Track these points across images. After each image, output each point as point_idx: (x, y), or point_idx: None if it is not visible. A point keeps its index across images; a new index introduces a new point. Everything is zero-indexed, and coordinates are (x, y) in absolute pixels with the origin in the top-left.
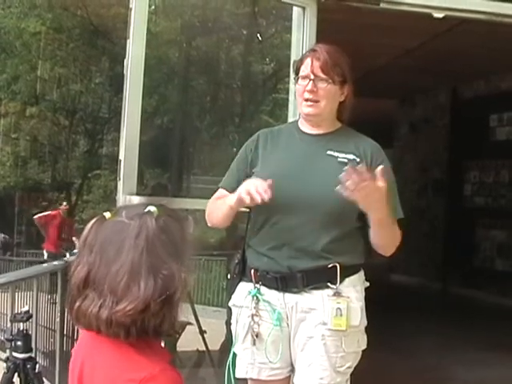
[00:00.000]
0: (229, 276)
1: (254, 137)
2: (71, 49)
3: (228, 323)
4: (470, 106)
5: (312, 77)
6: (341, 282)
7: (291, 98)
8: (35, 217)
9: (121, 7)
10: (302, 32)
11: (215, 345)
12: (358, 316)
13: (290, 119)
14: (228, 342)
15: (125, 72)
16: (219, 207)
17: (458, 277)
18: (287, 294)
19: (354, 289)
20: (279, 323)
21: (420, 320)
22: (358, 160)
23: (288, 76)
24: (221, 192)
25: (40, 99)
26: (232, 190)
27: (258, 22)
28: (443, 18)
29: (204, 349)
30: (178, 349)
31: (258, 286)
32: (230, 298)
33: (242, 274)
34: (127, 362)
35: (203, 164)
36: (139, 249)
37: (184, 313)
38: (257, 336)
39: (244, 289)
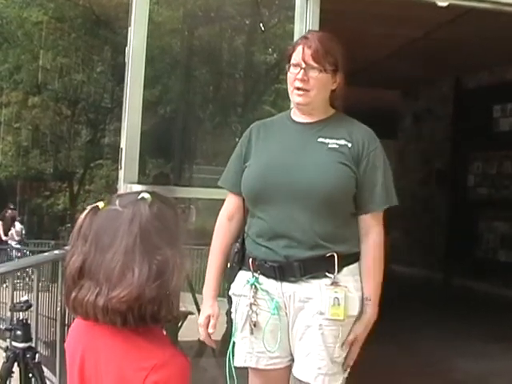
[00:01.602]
0: (228, 264)
1: (247, 132)
2: (73, 38)
3: (228, 312)
4: (474, 97)
5: (303, 65)
6: (339, 271)
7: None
8: None
9: None
10: (305, 22)
11: (217, 335)
12: (356, 306)
13: None
14: (228, 331)
15: (126, 60)
16: (210, 263)
17: (460, 268)
18: (285, 284)
19: (352, 278)
20: (277, 312)
21: (422, 312)
22: (350, 145)
23: None
24: (228, 202)
25: (42, 89)
26: (231, 187)
27: (261, 12)
28: (447, 6)
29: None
30: (179, 338)
31: (256, 275)
32: (229, 287)
33: (241, 263)
34: (136, 350)
35: (206, 154)
36: (133, 235)
37: (185, 302)
38: (255, 325)
39: (243, 278)
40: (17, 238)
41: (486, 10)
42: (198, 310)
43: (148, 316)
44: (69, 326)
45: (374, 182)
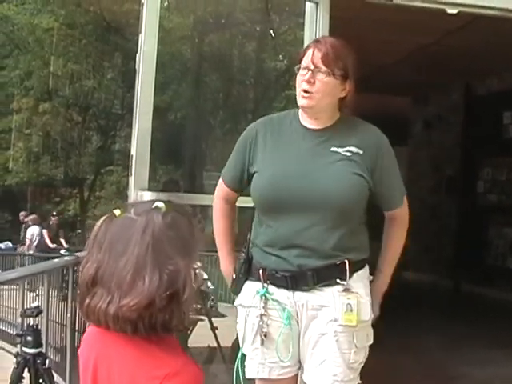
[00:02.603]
0: (234, 275)
1: (251, 130)
2: (84, 45)
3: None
4: (484, 103)
5: (312, 67)
6: (350, 278)
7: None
8: None
9: (133, 3)
10: (315, 28)
11: (227, 341)
12: (367, 311)
13: None
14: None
15: (137, 67)
16: (219, 245)
17: (470, 274)
18: (297, 293)
19: (362, 284)
20: (289, 322)
21: (431, 318)
22: (361, 152)
23: None
24: (222, 189)
25: (53, 95)
26: (231, 184)
27: (271, 19)
28: (457, 14)
29: (215, 345)
30: (189, 345)
31: (265, 285)
32: (235, 298)
33: (248, 274)
34: (149, 359)
35: (216, 160)
36: (145, 244)
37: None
38: (265, 336)
39: (251, 288)
40: (66, 246)
41: (494, 17)
42: (209, 317)
43: (159, 325)
44: (79, 332)
45: (392, 181)
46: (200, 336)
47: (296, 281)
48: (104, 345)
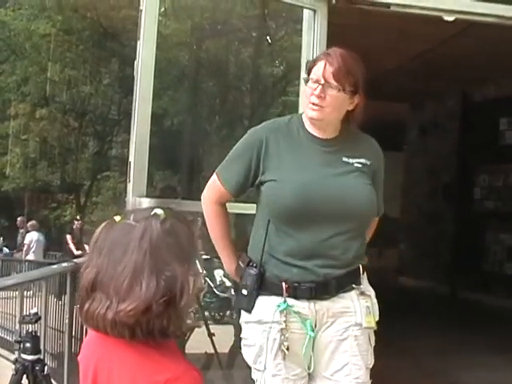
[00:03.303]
0: (245, 291)
1: (258, 135)
2: (81, 51)
3: (236, 326)
4: (480, 110)
5: (322, 81)
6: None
7: (301, 100)
8: None
9: (130, 9)
10: (313, 35)
11: (224, 347)
12: (377, 312)
13: None
14: (235, 344)
15: (135, 73)
16: (219, 249)
17: (467, 280)
18: (318, 302)
19: (369, 286)
20: (314, 333)
21: (428, 324)
22: (369, 163)
23: (298, 78)
24: (218, 192)
25: (50, 101)
26: (232, 190)
27: (268, 25)
28: (454, 21)
29: (212, 351)
30: (186, 351)
31: (287, 299)
32: (240, 314)
33: (260, 289)
34: (149, 363)
35: (213, 166)
36: (143, 250)
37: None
38: (287, 349)
39: (269, 303)
40: None
41: (490, 24)
42: (206, 323)
43: (156, 331)
44: (76, 338)
45: (380, 191)
46: (197, 342)
47: (320, 290)
48: (104, 350)
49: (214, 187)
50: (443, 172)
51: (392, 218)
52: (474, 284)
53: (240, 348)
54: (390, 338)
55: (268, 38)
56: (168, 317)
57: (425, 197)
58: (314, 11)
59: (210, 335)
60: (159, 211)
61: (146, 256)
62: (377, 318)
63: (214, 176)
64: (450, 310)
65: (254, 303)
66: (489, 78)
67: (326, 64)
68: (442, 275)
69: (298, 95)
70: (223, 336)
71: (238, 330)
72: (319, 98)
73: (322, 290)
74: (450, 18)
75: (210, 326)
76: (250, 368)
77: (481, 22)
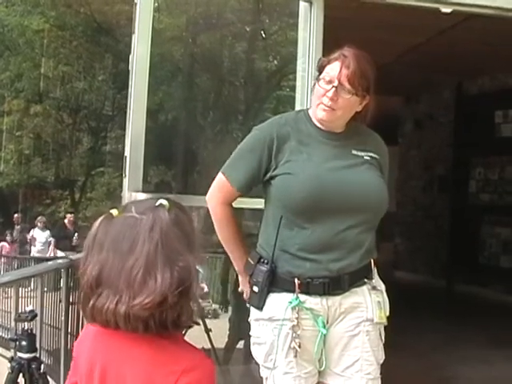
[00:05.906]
0: (256, 288)
1: (267, 132)
2: (75, 46)
3: (232, 320)
4: (476, 103)
5: (336, 84)
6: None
7: (297, 95)
8: None
9: (124, 4)
10: (309, 28)
11: (220, 342)
12: (388, 307)
13: None
14: (231, 339)
15: (130, 68)
16: (229, 250)
17: (463, 274)
18: (331, 298)
19: (380, 281)
20: (327, 330)
21: (425, 318)
22: (378, 157)
23: (293, 73)
24: (226, 192)
25: (44, 97)
26: (242, 188)
27: (262, 19)
28: (450, 13)
29: (209, 347)
30: None
31: (299, 295)
32: (249, 312)
33: (271, 285)
34: (164, 355)
35: (207, 161)
36: (154, 242)
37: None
38: (299, 346)
39: (280, 300)
40: None
41: (486, 16)
42: (203, 319)
43: (169, 322)
44: (72, 335)
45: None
46: (194, 337)
47: (333, 286)
48: (112, 347)
49: (219, 187)
50: (438, 165)
51: (387, 211)
52: (470, 278)
53: (236, 344)
54: (386, 332)
55: (262, 32)
56: (181, 307)
57: (420, 190)
58: (310, 3)
59: (207, 331)
60: (164, 202)
61: (158, 247)
62: (387, 314)
63: (220, 176)
64: (446, 304)
65: (265, 300)
66: (484, 70)
67: (342, 67)
68: (438, 269)
69: (292, 90)
70: (219, 331)
71: (233, 326)
72: (332, 100)
73: (335, 285)
74: (447, 9)
75: (207, 321)
76: (250, 363)
77: (478, 14)
